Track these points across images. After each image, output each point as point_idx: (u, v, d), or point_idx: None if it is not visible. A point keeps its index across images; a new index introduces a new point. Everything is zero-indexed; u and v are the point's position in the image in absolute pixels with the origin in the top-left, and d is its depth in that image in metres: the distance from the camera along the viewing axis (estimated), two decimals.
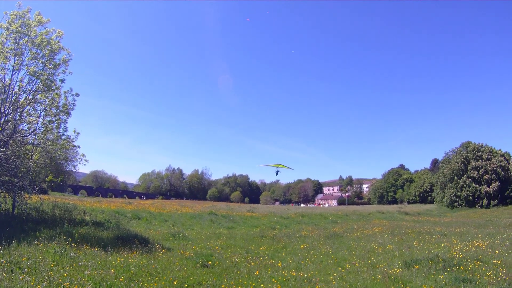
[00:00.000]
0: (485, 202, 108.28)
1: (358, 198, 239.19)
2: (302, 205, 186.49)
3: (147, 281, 12.25)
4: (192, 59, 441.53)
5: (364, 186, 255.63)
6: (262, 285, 13.03)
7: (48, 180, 26.81)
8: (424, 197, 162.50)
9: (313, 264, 17.21)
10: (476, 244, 21.52)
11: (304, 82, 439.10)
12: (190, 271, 14.46)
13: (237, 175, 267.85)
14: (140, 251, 17.27)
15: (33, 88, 21.48)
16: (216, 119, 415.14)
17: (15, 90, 21.13)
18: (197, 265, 15.81)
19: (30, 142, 23.05)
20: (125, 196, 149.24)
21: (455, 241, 23.87)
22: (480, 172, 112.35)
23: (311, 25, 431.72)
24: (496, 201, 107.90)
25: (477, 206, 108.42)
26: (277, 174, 68.40)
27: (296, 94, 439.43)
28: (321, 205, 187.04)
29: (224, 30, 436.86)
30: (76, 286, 10.57)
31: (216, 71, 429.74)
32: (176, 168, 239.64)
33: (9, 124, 21.14)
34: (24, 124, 22.41)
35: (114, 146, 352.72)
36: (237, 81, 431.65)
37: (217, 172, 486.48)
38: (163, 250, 18.43)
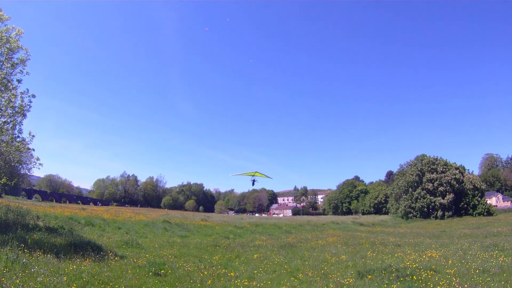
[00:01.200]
0: (439, 213, 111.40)
1: (312, 209, 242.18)
2: (256, 214, 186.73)
3: None
4: (148, 66, 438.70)
5: (319, 196, 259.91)
6: None
7: (1, 183, 25.84)
8: (379, 208, 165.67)
9: (266, 273, 17.21)
10: (429, 254, 21.86)
11: (259, 92, 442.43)
12: (143, 280, 14.36)
13: (192, 183, 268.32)
14: (93, 258, 16.98)
15: None
16: (172, 127, 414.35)
17: None
18: (150, 273, 15.68)
19: None
20: (79, 202, 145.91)
21: (409, 251, 24.25)
22: (435, 184, 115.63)
23: (266, 34, 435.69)
24: (450, 213, 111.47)
25: (431, 217, 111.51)
26: (253, 184, 66.83)
27: (251, 104, 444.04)
28: (276, 215, 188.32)
29: (181, 37, 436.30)
30: None
31: (172, 79, 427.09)
32: (131, 175, 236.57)
33: None
34: None
35: (68, 150, 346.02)
36: (192, 90, 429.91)
37: (172, 180, 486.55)
38: (116, 258, 18.21)
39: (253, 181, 55.38)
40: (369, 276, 15.50)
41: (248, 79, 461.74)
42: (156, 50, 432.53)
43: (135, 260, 18.31)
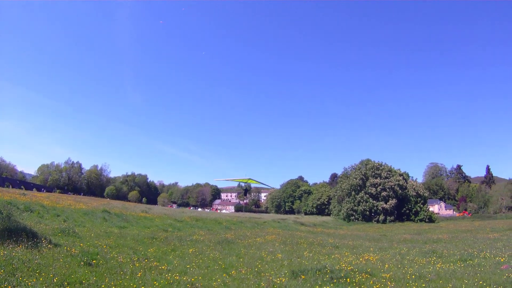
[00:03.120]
0: (381, 217, 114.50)
1: (255, 206, 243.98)
2: (199, 209, 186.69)
3: (28, 276, 12.08)
4: (98, 53, 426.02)
5: (263, 194, 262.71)
6: (142, 287, 12.98)
7: None
8: (322, 210, 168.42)
9: (199, 269, 17.02)
10: (367, 257, 22.05)
11: (208, 87, 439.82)
12: (73, 269, 14.13)
13: (136, 174, 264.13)
14: (26, 245, 16.67)
15: None
16: (119, 116, 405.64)
17: None
18: (82, 263, 15.40)
19: None
20: (22, 187, 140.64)
21: (346, 253, 24.44)
22: (378, 189, 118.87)
23: (219, 28, 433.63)
24: (392, 217, 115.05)
25: (373, 221, 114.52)
26: (245, 193, 64.41)
27: (199, 98, 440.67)
28: (218, 211, 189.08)
29: (133, 27, 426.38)
30: None
31: (122, 69, 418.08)
32: (75, 162, 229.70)
33: None
34: None
35: (12, 132, 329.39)
36: (142, 81, 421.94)
37: (116, 170, 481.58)
38: (49, 246, 17.86)
39: (246, 190, 53.93)
40: (303, 276, 15.42)
41: (198, 73, 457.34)
42: (107, 39, 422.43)
43: (69, 249, 17.92)
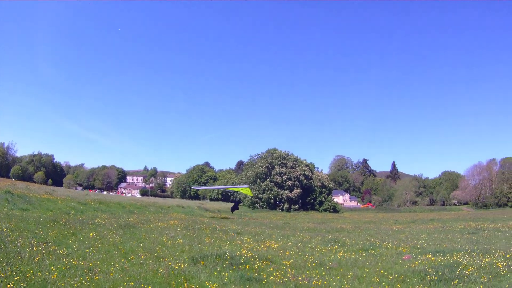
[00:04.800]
0: (286, 206, 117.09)
1: (161, 191, 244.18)
2: (105, 192, 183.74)
3: None
4: (6, 20, 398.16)
5: (168, 179, 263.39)
6: (39, 272, 12.01)
7: None
8: (227, 196, 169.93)
9: (99, 253, 16.33)
10: (268, 245, 22.14)
11: (117, 66, 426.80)
12: None
13: (42, 154, 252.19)
14: None
15: None
16: (29, 90, 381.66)
17: None
18: None
19: None
20: None
21: (248, 240, 24.43)
22: (284, 178, 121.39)
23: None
24: (297, 206, 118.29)
25: (278, 209, 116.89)
26: (237, 205, 61.21)
27: (107, 78, 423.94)
28: (124, 194, 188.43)
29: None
30: None
31: (33, 40, 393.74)
32: None
33: None
34: None
35: None
36: (54, 55, 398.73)
37: (24, 148, 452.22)
38: None
39: (238, 202, 51.59)
40: (202, 262, 15.18)
41: (111, 52, 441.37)
42: (21, 13, 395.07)
43: None
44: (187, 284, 11.60)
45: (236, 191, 51.75)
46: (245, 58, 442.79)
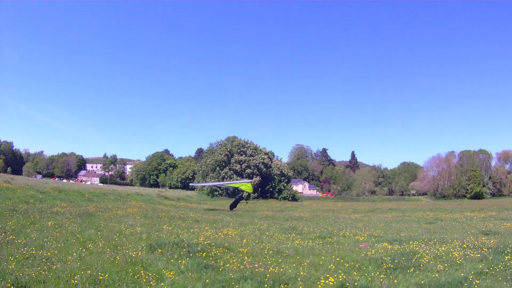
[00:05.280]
0: (245, 194, 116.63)
1: (121, 178, 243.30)
2: (64, 180, 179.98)
3: None
4: None
5: (128, 166, 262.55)
6: None
7: None
8: (186, 184, 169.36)
9: (57, 242, 16.13)
10: (225, 232, 22.29)
11: (78, 48, 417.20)
12: None
13: (1, 141, 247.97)
14: None
15: None
16: None
17: None
18: None
19: None
20: None
21: (206, 228, 24.51)
22: (243, 166, 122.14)
23: None
24: (256, 194, 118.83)
25: (237, 197, 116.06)
26: (238, 201, 56.83)
27: (66, 62, 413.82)
28: (83, 182, 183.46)
29: None
30: None
31: None
32: None
33: None
34: None
35: None
36: (16, 36, 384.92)
37: None
38: None
39: (240, 198, 49.69)
40: (160, 250, 15.14)
41: (76, 32, 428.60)
42: None
43: None
44: (144, 272, 11.52)
45: (237, 187, 50.56)
46: (205, 46, 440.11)
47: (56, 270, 11.31)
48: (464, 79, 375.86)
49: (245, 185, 57.63)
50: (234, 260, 13.91)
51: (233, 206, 56.62)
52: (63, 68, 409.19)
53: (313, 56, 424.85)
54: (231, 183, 51.39)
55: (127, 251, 14.56)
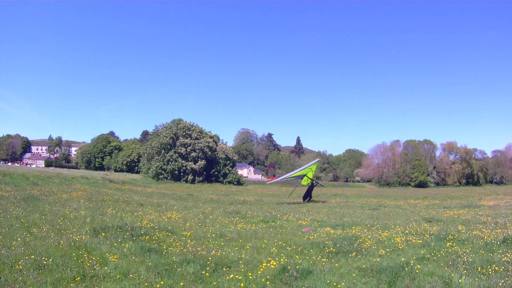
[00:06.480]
0: (190, 177, 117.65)
1: (66, 161, 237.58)
2: (9, 163, 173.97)
3: None
4: None
5: (73, 149, 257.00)
6: None
7: None
8: (132, 167, 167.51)
9: (1, 227, 15.85)
10: (169, 216, 22.42)
11: (22, 28, 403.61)
12: None
13: None
14: None
15: None
16: None
17: None
18: None
19: None
20: None
21: (150, 211, 24.63)
22: (188, 150, 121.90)
23: None
24: (201, 178, 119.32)
25: (182, 180, 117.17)
26: (311, 190, 47.17)
27: (10, 41, 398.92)
28: (29, 165, 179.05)
29: None
30: None
31: None
32: None
33: None
34: None
35: None
36: None
37: None
38: None
39: (312, 186, 46.32)
40: (103, 234, 15.05)
41: (21, 12, 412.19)
42: None
43: None
44: (87, 256, 11.41)
45: (305, 174, 43.88)
46: (151, 28, 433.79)
47: (0, 256, 11.16)
48: (411, 70, 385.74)
49: (311, 169, 48.94)
50: (177, 244, 14.03)
51: (307, 196, 48.13)
52: (6, 50, 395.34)
53: (260, 39, 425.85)
54: (300, 170, 45.04)
55: (71, 235, 14.43)
